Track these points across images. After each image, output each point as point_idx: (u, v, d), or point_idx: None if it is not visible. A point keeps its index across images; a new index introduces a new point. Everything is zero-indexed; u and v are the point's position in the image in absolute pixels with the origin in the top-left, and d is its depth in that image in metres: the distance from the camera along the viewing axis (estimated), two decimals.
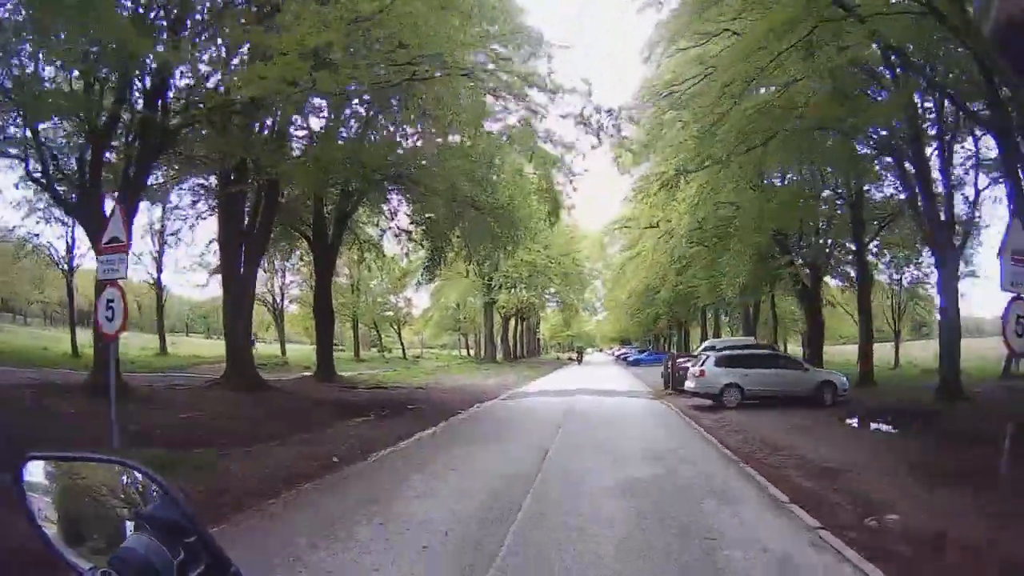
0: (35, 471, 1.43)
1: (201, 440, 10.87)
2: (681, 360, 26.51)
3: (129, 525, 1.38)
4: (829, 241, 30.29)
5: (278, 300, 51.32)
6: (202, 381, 22.34)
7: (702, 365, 20.24)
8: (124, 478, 1.46)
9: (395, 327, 64.68)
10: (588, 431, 14.67)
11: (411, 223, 27.87)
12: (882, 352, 41.83)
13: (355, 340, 57.22)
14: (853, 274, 31.42)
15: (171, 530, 1.31)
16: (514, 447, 12.14)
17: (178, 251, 54.58)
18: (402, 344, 66.40)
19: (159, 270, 39.50)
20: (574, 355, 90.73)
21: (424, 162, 21.80)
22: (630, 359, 55.46)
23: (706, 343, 36.08)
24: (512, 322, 71.29)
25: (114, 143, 17.09)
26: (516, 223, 25.88)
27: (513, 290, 54.44)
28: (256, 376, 21.67)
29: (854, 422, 17.08)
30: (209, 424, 13.26)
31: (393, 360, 57.00)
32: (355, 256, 34.16)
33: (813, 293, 31.71)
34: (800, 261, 30.85)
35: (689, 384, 20.53)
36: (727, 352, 21.21)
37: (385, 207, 28.48)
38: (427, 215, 25.62)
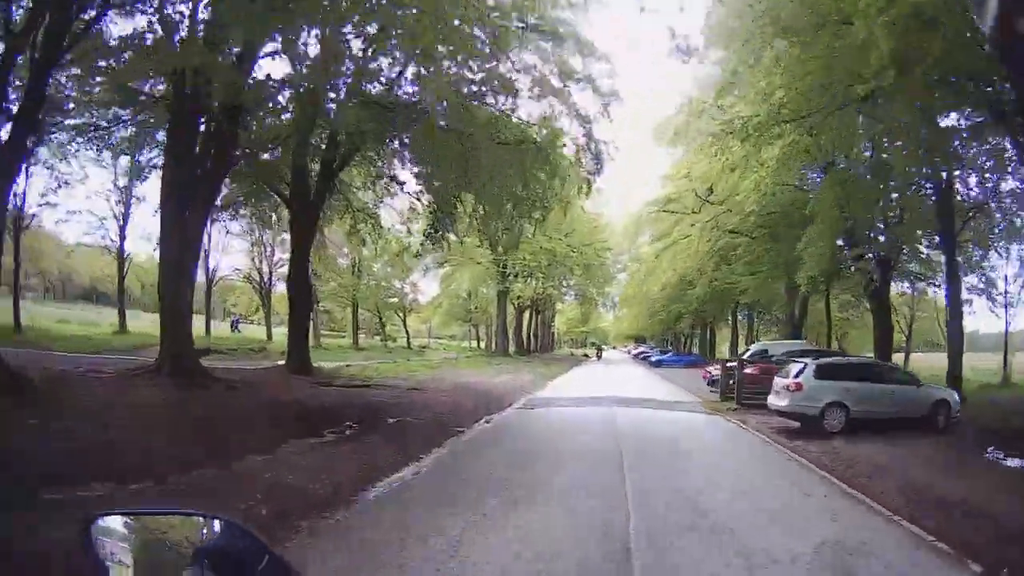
0: (103, 529, 1.43)
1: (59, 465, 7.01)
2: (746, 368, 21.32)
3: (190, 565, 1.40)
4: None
5: (266, 279, 45.84)
6: (137, 367, 17.31)
7: (797, 376, 14.71)
8: (191, 526, 1.54)
9: (400, 314, 59.38)
10: (667, 479, 8.98)
11: (413, 176, 22.27)
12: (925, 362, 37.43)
13: (354, 326, 51.92)
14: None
15: (239, 564, 1.37)
16: (560, 521, 6.68)
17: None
18: (407, 333, 61.08)
19: (122, 236, 34.39)
20: (590, 352, 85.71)
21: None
22: (652, 359, 49.89)
23: (755, 346, 30.59)
24: (527, 314, 65.94)
25: None
26: (542, 175, 20.09)
27: (529, 279, 48.81)
28: (195, 365, 16.53)
29: (998, 455, 12.93)
30: (89, 438, 8.69)
31: (396, 350, 51.74)
32: (347, 226, 28.52)
33: (882, 292, 26.39)
34: (870, 256, 25.58)
35: (776, 401, 15.02)
36: (830, 361, 15.77)
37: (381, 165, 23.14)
38: (430, 166, 19.82)
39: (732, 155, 19.35)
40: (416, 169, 21.42)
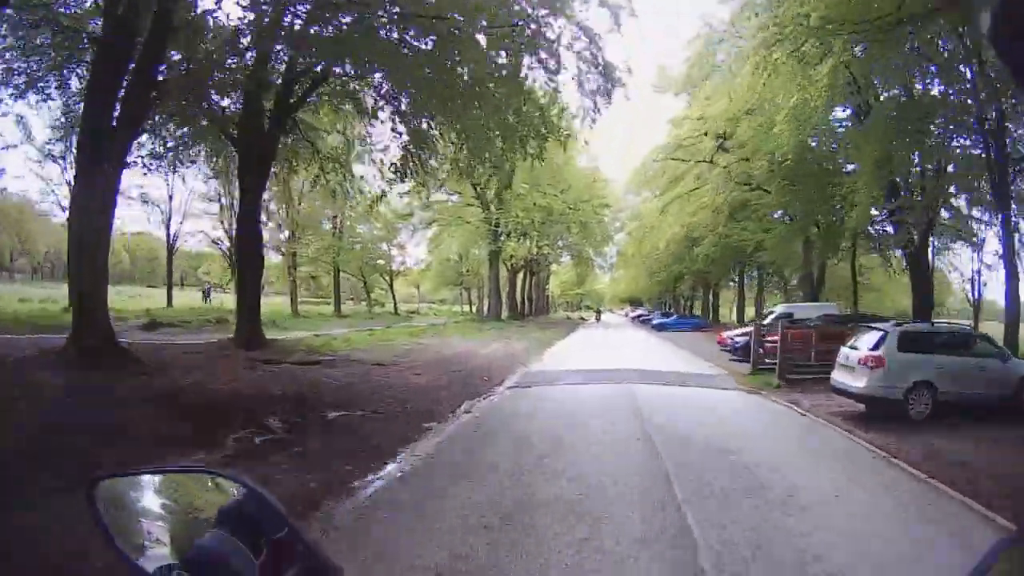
0: (106, 490, 1.37)
1: None
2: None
3: (208, 528, 1.28)
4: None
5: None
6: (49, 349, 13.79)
7: (875, 348, 11.10)
8: (201, 484, 1.49)
9: (386, 279, 55.64)
10: (755, 528, 5.20)
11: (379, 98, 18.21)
12: None
13: (336, 292, 48.14)
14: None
15: (254, 529, 1.26)
16: None
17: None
18: (394, 298, 57.38)
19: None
20: (586, 315, 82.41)
21: None
22: (654, 322, 46.27)
23: (778, 308, 27.01)
24: (520, 277, 62.31)
25: None
26: (540, 97, 16.19)
27: (523, 239, 44.92)
28: (106, 344, 12.96)
29: None
30: None
31: (382, 316, 48.13)
32: (313, 174, 24.62)
33: (921, 253, 23.03)
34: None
35: (846, 379, 11.41)
36: (915, 328, 12.17)
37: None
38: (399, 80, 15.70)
39: (774, 69, 15.48)
40: (384, 90, 17.32)
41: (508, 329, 35.82)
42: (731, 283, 56.89)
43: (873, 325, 12.68)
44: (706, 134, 27.70)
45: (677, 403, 11.95)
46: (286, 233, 43.00)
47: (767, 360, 17.16)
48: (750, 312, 48.98)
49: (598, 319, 72.31)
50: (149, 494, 1.44)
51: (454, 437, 8.67)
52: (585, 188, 48.64)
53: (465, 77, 14.01)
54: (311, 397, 10.58)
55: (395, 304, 56.83)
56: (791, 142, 20.63)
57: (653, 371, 16.92)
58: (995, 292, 40.23)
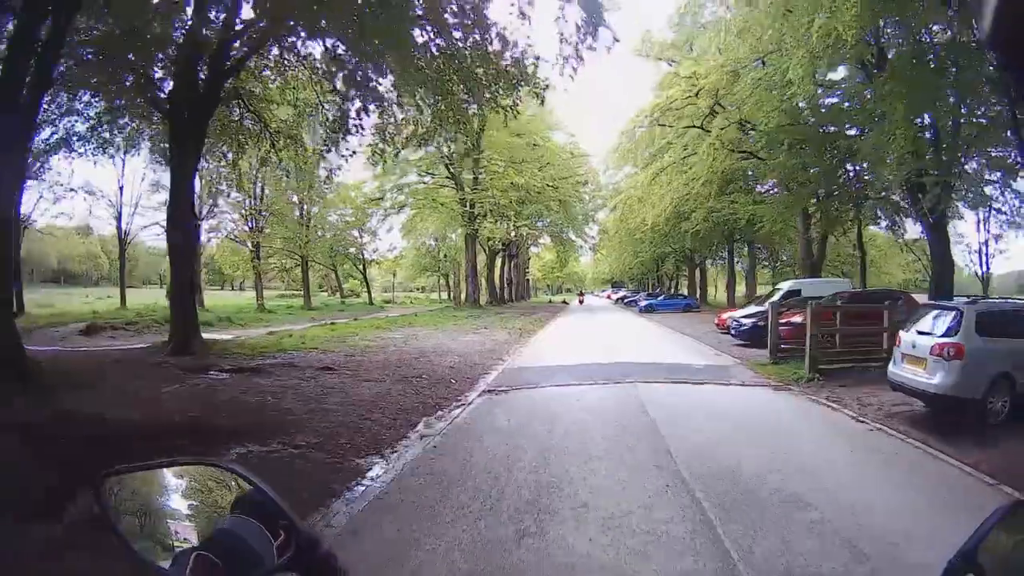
0: (114, 486, 1.36)
1: None
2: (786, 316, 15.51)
3: (223, 517, 1.32)
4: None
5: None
6: None
7: (950, 334, 8.58)
8: (210, 476, 1.46)
9: (359, 268, 52.68)
10: None
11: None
12: None
13: (304, 284, 45.13)
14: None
15: (266, 515, 1.26)
16: None
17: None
18: (368, 288, 54.50)
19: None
20: (568, 298, 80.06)
21: None
22: (642, 304, 43.67)
23: (785, 284, 24.51)
24: (499, 261, 59.65)
25: None
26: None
27: (501, 220, 42.13)
28: (10, 349, 10.36)
29: None
30: None
31: (354, 307, 45.37)
32: (264, 150, 21.70)
33: (942, 221, 20.81)
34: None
35: (917, 375, 8.82)
36: (996, 306, 9.57)
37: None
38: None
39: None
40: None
41: (486, 317, 33.15)
42: (719, 261, 54.72)
43: (938, 303, 10.15)
44: (698, 94, 25.04)
45: (698, 411, 9.29)
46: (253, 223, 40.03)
47: (783, 346, 14.73)
48: (740, 290, 46.81)
49: (581, 302, 71.48)
50: (159, 487, 1.43)
51: (389, 495, 5.92)
52: (564, 165, 45.99)
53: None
54: (216, 423, 7.86)
55: (369, 294, 53.96)
56: (805, 90, 18.02)
57: (655, 364, 14.31)
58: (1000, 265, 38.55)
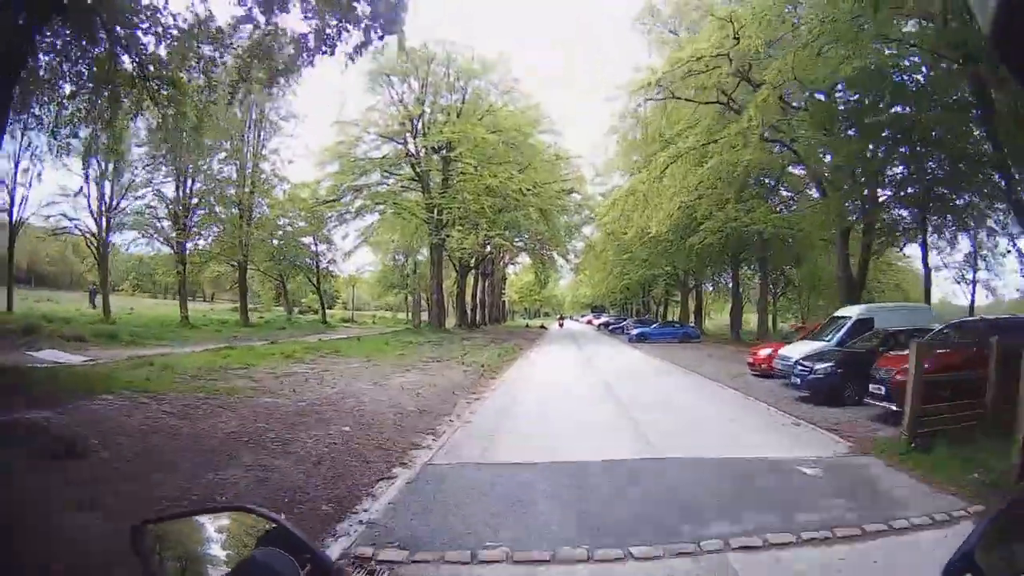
0: (150, 534, 1.41)
1: None
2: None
3: (252, 552, 1.37)
4: None
5: (103, 228, 30.99)
6: None
7: None
8: (237, 519, 1.56)
9: (311, 279, 45.41)
10: None
11: None
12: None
13: (241, 295, 37.72)
14: None
15: (296, 548, 1.32)
16: None
17: None
18: (322, 304, 47.16)
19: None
20: (547, 323, 73.47)
21: None
22: (633, 332, 36.88)
23: (855, 311, 17.61)
24: (471, 279, 52.85)
25: None
26: None
27: (474, 231, 35.16)
28: None
29: None
30: None
31: (299, 326, 38.09)
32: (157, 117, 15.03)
33: None
34: None
35: None
36: None
37: None
38: None
39: None
40: None
41: (447, 344, 26.26)
42: (711, 285, 48.46)
43: None
44: (737, 39, 18.55)
45: None
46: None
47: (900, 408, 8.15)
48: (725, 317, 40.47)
49: (561, 325, 70.52)
50: (193, 533, 1.52)
51: None
52: (547, 169, 39.48)
53: None
54: None
55: (323, 310, 46.62)
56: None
57: (723, 462, 7.40)
58: None
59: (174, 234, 31.98)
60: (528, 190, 35.48)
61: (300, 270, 43.34)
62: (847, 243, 23.61)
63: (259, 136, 36.87)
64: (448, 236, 35.20)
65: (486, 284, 57.92)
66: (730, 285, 46.85)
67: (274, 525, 1.39)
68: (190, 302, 39.21)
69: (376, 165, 37.25)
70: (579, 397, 13.06)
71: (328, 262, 44.39)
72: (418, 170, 37.13)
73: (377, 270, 55.01)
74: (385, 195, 37.50)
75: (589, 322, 77.28)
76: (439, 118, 36.24)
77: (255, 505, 1.44)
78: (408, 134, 36.66)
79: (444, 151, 36.37)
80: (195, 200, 32.29)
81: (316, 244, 43.01)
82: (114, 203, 30.16)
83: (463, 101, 37.84)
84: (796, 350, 15.52)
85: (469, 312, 52.31)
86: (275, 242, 38.83)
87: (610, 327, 52.87)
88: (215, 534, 1.49)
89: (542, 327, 62.82)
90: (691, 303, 47.25)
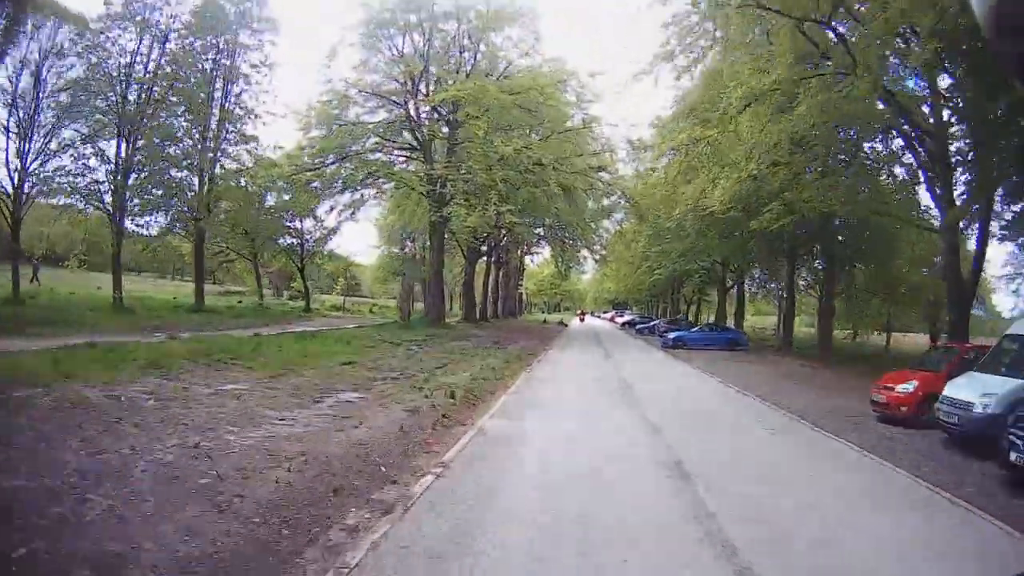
0: None
1: None
2: None
3: None
4: None
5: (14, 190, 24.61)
6: None
7: None
8: None
9: (296, 263, 39.26)
10: None
11: None
12: None
13: (197, 272, 31.21)
14: None
15: None
16: None
17: None
18: (306, 290, 40.85)
19: None
20: (567, 319, 67.00)
21: None
22: (670, 337, 30.12)
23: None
24: (482, 267, 46.51)
25: None
26: None
27: (485, 206, 28.49)
28: None
29: None
30: None
31: (268, 315, 31.89)
32: None
33: None
34: None
35: None
36: None
37: None
38: None
39: None
40: None
41: (428, 349, 19.88)
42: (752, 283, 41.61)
43: None
44: None
45: None
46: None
47: None
48: (755, 320, 33.62)
49: (582, 319, 67.74)
50: None
51: None
52: (573, 140, 32.87)
53: None
54: None
55: (307, 297, 40.35)
56: None
57: None
58: None
59: (109, 199, 25.68)
60: (549, 163, 28.93)
61: (280, 249, 37.15)
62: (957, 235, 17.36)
63: (226, 90, 30.41)
64: (451, 214, 28.75)
65: (499, 274, 51.51)
66: (770, 284, 40.28)
67: None
68: (161, 280, 33.47)
69: (368, 131, 30.84)
70: (617, 486, 6.59)
71: (314, 241, 38.17)
72: (418, 136, 30.80)
73: (385, 253, 48.60)
74: (378, 165, 31.04)
75: (612, 319, 70.57)
76: (444, 77, 29.74)
77: None
78: (408, 95, 30.21)
79: (449, 115, 30.00)
80: (137, 158, 25.93)
81: (300, 220, 36.82)
82: (34, 160, 23.85)
83: (474, 60, 31.38)
84: (975, 389, 9.04)
85: (479, 304, 46.01)
86: (241, 208, 32.20)
87: (636, 327, 46.19)
88: None
89: (561, 323, 56.23)
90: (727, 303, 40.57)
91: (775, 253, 29.49)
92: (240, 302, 36.26)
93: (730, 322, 37.59)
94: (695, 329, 31.90)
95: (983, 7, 0.68)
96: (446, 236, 39.13)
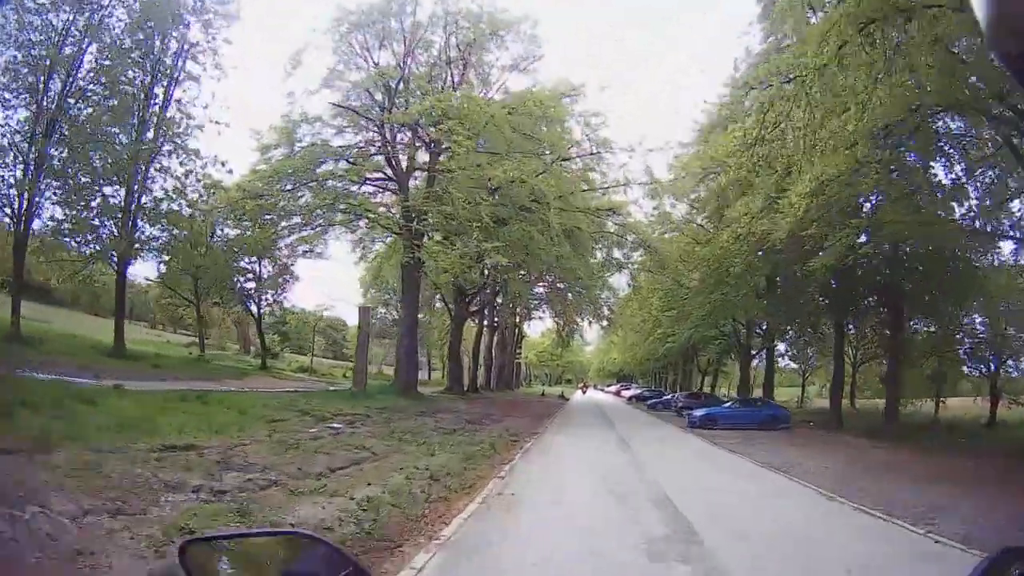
0: (194, 556, 1.36)
1: None
2: None
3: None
4: None
5: None
6: None
7: None
8: (281, 542, 1.63)
9: (249, 312, 32.75)
10: None
11: None
12: None
13: (118, 311, 24.39)
14: None
15: (334, 565, 1.35)
16: None
17: None
18: (262, 341, 34.17)
19: None
20: (568, 392, 60.15)
21: None
22: (697, 414, 22.91)
23: None
24: (472, 330, 40.27)
25: None
26: None
27: (460, 239, 22.37)
28: None
29: None
30: None
31: (206, 371, 25.35)
32: None
33: None
34: None
35: None
36: None
37: None
38: None
39: None
40: None
41: (381, 422, 13.49)
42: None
43: None
44: None
45: None
46: None
47: None
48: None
49: (584, 391, 66.52)
50: (237, 554, 1.49)
51: None
52: (581, 175, 27.26)
53: None
54: None
55: (263, 352, 33.73)
56: None
57: None
58: None
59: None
60: (549, 198, 23.17)
61: (229, 293, 30.74)
62: None
63: (169, 93, 24.83)
64: (429, 254, 22.65)
65: (493, 339, 45.10)
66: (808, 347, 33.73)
67: (322, 548, 1.43)
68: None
69: (334, 153, 25.12)
70: None
71: (266, 284, 31.95)
72: (393, 162, 25.20)
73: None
74: (341, 194, 25.14)
75: (618, 393, 63.19)
76: (426, 91, 24.29)
77: (301, 528, 1.40)
78: (383, 112, 24.76)
79: (431, 141, 24.52)
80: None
81: (258, 262, 30.64)
82: None
83: (462, 71, 26.12)
84: None
85: (469, 372, 39.48)
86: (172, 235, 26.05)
87: (648, 401, 39.14)
88: (262, 554, 1.47)
89: (562, 396, 49.07)
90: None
91: (828, 306, 23.48)
92: (192, 352, 30.07)
93: (763, 395, 30.91)
94: (727, 405, 25.07)
95: (983, 7, 0.63)
96: (432, 290, 33.05)
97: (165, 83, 24.16)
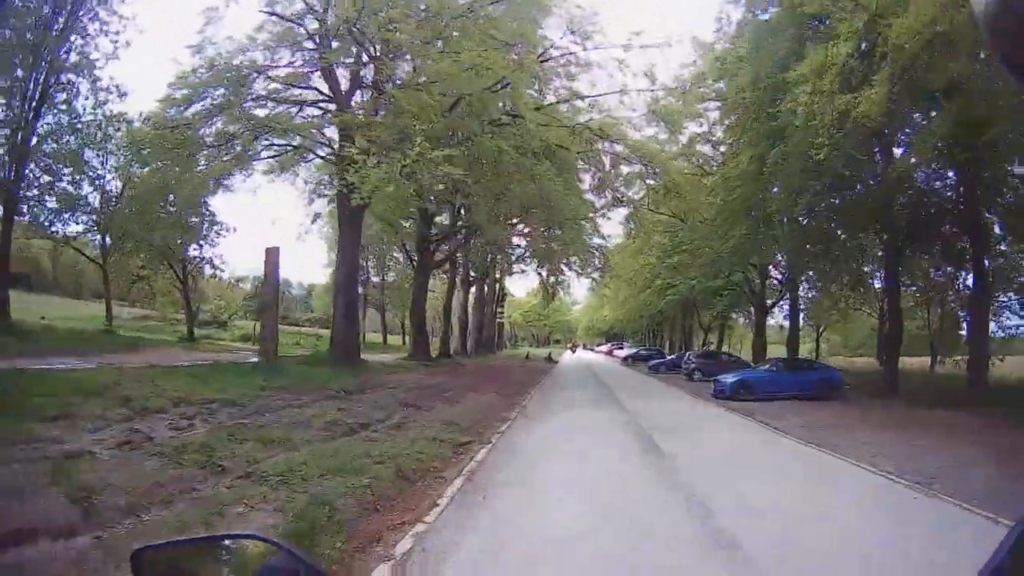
0: (151, 561, 1.29)
1: None
2: None
3: None
4: None
5: None
6: None
7: None
8: (239, 548, 1.43)
9: (174, 269, 26.51)
10: None
11: None
12: None
13: None
14: None
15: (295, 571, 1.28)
16: None
17: None
18: (188, 307, 27.91)
19: None
20: (556, 353, 54.67)
21: None
22: (729, 382, 16.77)
23: None
24: (441, 285, 34.56)
25: None
26: None
27: (399, 153, 16.30)
28: None
29: None
30: None
31: (119, 344, 19.46)
32: None
33: None
34: None
35: None
36: None
37: None
38: None
39: None
40: None
41: (266, 410, 7.63)
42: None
43: None
44: None
45: None
46: None
47: None
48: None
49: (573, 351, 64.90)
50: (193, 563, 1.38)
51: None
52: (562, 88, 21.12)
53: None
54: None
55: (189, 319, 27.56)
56: None
57: None
58: None
59: None
60: (521, 98, 17.08)
61: (151, 250, 24.50)
62: None
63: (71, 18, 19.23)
64: (363, 176, 16.48)
65: (468, 296, 39.09)
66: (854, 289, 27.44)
67: (279, 552, 1.31)
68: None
69: (259, 68, 18.73)
70: None
71: (203, 242, 25.93)
72: (329, 72, 18.92)
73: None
74: (269, 119, 18.87)
75: (610, 352, 57.66)
76: None
77: (259, 533, 1.39)
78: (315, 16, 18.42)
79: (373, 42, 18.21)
80: None
81: (183, 213, 24.33)
82: None
83: None
84: None
85: (440, 334, 33.76)
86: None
87: (651, 363, 33.32)
88: (218, 561, 1.38)
89: (549, 359, 43.26)
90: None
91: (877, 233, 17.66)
92: (108, 326, 24.14)
93: (787, 353, 25.25)
94: (763, 367, 19.24)
95: (982, 7, 0.62)
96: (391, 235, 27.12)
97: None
